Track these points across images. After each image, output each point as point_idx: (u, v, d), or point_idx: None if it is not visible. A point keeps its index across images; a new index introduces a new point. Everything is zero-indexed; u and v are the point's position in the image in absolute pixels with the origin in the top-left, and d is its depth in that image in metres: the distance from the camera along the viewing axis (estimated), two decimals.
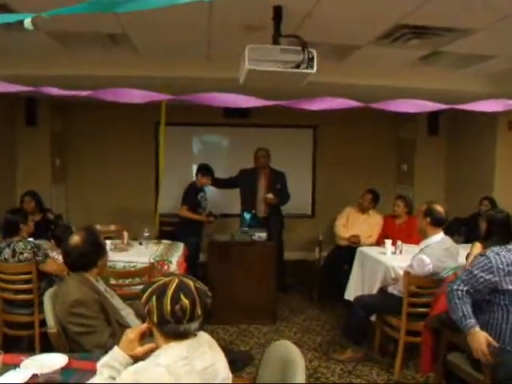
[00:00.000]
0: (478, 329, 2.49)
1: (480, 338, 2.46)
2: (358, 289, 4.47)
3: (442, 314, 2.92)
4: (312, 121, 6.89)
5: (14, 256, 3.52)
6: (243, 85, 3.09)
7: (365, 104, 2.02)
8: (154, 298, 1.57)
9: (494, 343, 2.47)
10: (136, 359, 1.69)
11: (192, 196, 5.20)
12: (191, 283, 1.60)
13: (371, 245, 4.97)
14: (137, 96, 1.95)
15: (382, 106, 1.97)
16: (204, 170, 5.27)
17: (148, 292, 1.59)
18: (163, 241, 4.76)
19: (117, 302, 2.59)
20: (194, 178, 5.33)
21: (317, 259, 5.31)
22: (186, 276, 1.66)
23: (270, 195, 5.26)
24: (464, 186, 6.61)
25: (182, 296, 1.55)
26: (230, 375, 1.68)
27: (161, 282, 1.59)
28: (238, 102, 1.97)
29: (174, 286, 1.57)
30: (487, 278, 2.50)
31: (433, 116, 6.82)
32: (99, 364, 1.70)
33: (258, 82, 3.05)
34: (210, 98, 1.96)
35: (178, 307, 1.54)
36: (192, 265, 4.84)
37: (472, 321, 2.50)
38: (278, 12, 2.97)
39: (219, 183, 5.55)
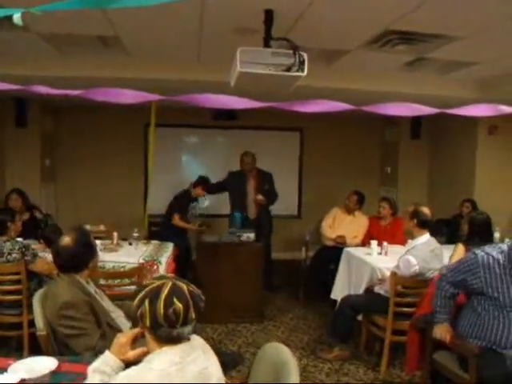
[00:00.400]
0: (446, 324, 2.51)
1: (446, 328, 2.48)
2: (344, 288, 4.45)
3: (427, 314, 2.90)
4: (299, 123, 6.90)
5: (1, 256, 3.40)
6: (234, 87, 3.05)
7: (358, 107, 1.99)
8: (147, 301, 1.52)
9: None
10: (128, 363, 1.63)
11: (184, 204, 5.19)
12: (184, 287, 1.55)
13: (357, 245, 4.96)
14: (128, 96, 1.88)
15: (376, 108, 1.94)
16: (205, 182, 5.26)
17: (141, 295, 1.53)
18: (152, 241, 4.71)
19: (107, 303, 2.51)
20: (189, 186, 5.32)
21: (303, 259, 5.30)
22: (179, 279, 1.61)
23: (260, 196, 5.29)
24: (446, 188, 6.65)
25: (175, 300, 1.51)
26: (223, 378, 1.63)
27: (154, 286, 1.54)
28: (231, 104, 1.91)
29: (167, 290, 1.52)
30: (472, 272, 2.49)
31: (416, 120, 6.85)
32: (90, 369, 1.63)
33: (249, 85, 3.02)
34: (203, 99, 1.90)
35: (171, 311, 1.50)
36: (181, 265, 4.79)
37: (444, 317, 2.52)
38: (269, 15, 2.93)
39: (211, 189, 5.52)
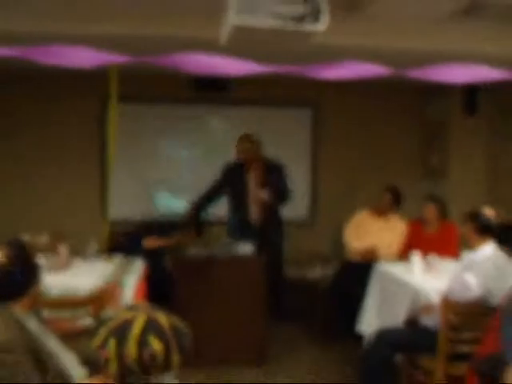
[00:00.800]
0: None
1: None
2: (376, 319, 4.47)
3: (494, 354, 2.89)
4: (311, 96, 6.86)
5: None
6: (225, 47, 3.05)
7: (397, 71, 1.95)
8: (113, 341, 1.50)
9: None
10: None
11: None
12: (164, 320, 1.54)
13: (393, 260, 4.98)
14: (83, 58, 1.83)
15: (423, 73, 1.89)
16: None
17: (103, 333, 1.52)
18: (115, 257, 4.72)
19: (53, 344, 2.49)
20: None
21: (320, 278, 5.39)
22: (155, 310, 1.59)
23: (263, 193, 5.34)
24: None
25: (151, 338, 1.49)
26: None
27: (121, 319, 1.52)
28: (225, 67, 1.87)
29: (140, 325, 1.50)
30: None
31: (470, 90, 6.81)
32: None
33: (246, 44, 2.99)
34: (185, 62, 1.86)
35: (146, 353, 1.49)
36: (155, 289, 4.74)
37: None
38: None
39: (204, 204, 5.65)
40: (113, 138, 5.18)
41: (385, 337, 3.76)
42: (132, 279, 4.09)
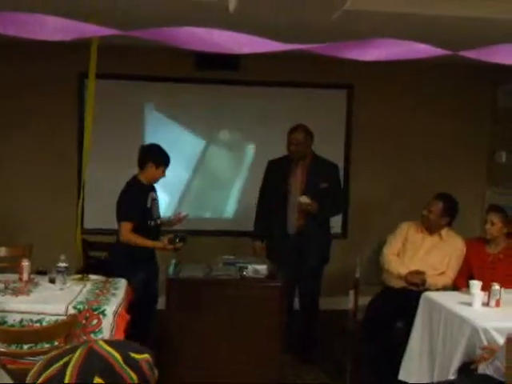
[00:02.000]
0: None
1: None
2: (424, 364, 4.44)
3: None
4: (344, 77, 6.89)
5: None
6: (234, 15, 3.09)
7: (454, 51, 1.95)
8: None
9: None
10: None
11: (138, 203, 5.12)
12: (112, 352, 1.51)
13: (445, 288, 4.96)
14: (50, 28, 1.85)
15: (486, 54, 1.89)
16: (167, 159, 5.23)
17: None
18: (92, 276, 4.74)
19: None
20: (137, 171, 5.28)
21: (352, 310, 5.32)
22: (106, 342, 1.57)
23: (305, 199, 5.42)
24: None
25: (96, 378, 1.47)
26: None
27: (60, 363, 1.51)
28: (230, 44, 1.87)
29: (75, 363, 1.48)
30: None
31: None
32: None
33: (259, 12, 3.03)
34: (182, 36, 1.87)
35: None
36: (142, 318, 4.82)
37: None
38: None
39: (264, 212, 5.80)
40: (88, 124, 5.22)
41: None
42: (113, 305, 4.10)
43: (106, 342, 1.58)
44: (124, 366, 1.51)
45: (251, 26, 2.93)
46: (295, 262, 5.52)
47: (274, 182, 5.73)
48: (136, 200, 5.12)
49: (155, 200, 5.28)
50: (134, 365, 1.53)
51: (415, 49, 1.90)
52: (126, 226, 5.02)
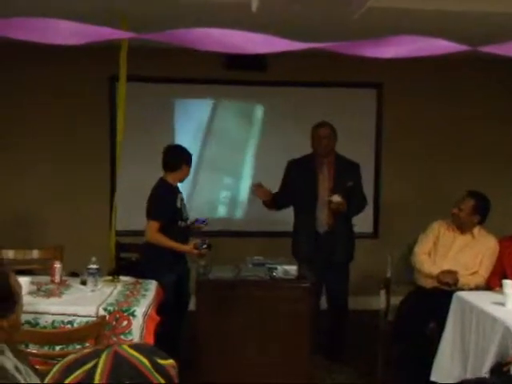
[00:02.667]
0: None
1: None
2: (456, 364, 4.42)
3: None
4: (374, 75, 6.88)
5: None
6: (257, 15, 3.09)
7: (474, 47, 1.91)
8: None
9: None
10: None
11: (168, 203, 5.13)
12: (139, 358, 1.50)
13: (478, 288, 4.92)
14: (63, 32, 1.86)
15: (503, 49, 1.85)
16: (188, 155, 5.26)
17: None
18: (123, 277, 4.75)
19: None
20: (163, 173, 5.30)
21: (383, 310, 5.30)
22: (130, 346, 1.56)
23: (337, 197, 5.42)
24: None
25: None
26: None
27: (85, 368, 1.50)
28: (247, 45, 1.86)
29: (103, 369, 1.47)
30: None
31: None
32: None
33: (282, 12, 3.02)
34: (197, 37, 1.86)
35: None
36: (172, 320, 4.82)
37: None
38: None
39: (279, 201, 5.81)
40: (121, 126, 5.27)
41: None
42: (143, 307, 4.10)
43: (131, 346, 1.57)
44: (152, 370, 1.50)
45: (274, 26, 2.91)
46: (323, 260, 5.52)
47: (300, 180, 5.69)
48: (166, 200, 5.14)
49: (183, 201, 5.30)
50: (162, 371, 1.52)
51: (435, 45, 1.87)
52: (154, 225, 5.02)
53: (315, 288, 5.00)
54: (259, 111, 7.20)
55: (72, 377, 1.51)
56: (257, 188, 5.70)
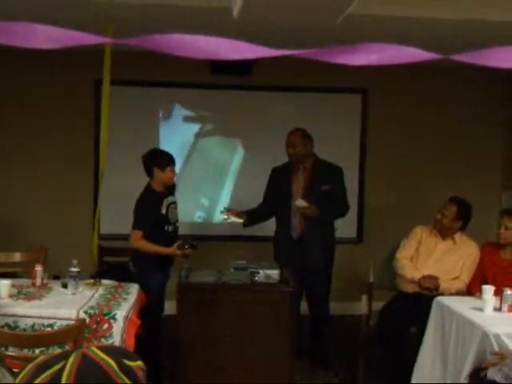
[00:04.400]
0: None
1: None
2: (437, 369, 4.43)
3: None
4: (359, 81, 6.87)
5: None
6: (238, 20, 3.07)
7: (446, 55, 1.91)
8: None
9: None
10: None
11: (151, 212, 5.12)
12: (106, 360, 1.50)
13: (459, 293, 4.92)
14: (41, 36, 1.85)
15: (477, 58, 1.85)
16: (170, 157, 5.20)
17: None
18: (104, 281, 4.76)
19: None
20: (150, 178, 5.24)
21: (365, 315, 5.29)
22: (100, 348, 1.56)
23: (301, 202, 5.43)
24: None
25: None
26: None
27: (53, 370, 1.49)
28: (223, 51, 1.86)
29: (70, 370, 1.46)
30: None
31: None
32: None
33: (264, 16, 3.01)
34: (171, 43, 1.86)
35: None
36: (154, 323, 4.83)
37: None
38: None
39: (254, 217, 5.79)
40: (104, 131, 5.25)
41: None
42: (123, 309, 4.12)
43: (100, 348, 1.57)
44: (118, 372, 1.50)
45: (255, 32, 2.91)
46: (300, 266, 5.48)
47: (277, 187, 5.76)
48: (148, 209, 5.12)
49: (173, 204, 5.25)
50: (128, 372, 1.51)
51: (405, 53, 1.87)
52: (136, 234, 5.03)
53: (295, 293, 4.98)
54: (244, 116, 7.18)
55: (41, 377, 1.50)
56: (228, 213, 5.67)
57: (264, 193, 5.89)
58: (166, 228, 5.15)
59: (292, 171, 5.67)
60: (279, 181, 5.75)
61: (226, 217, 5.64)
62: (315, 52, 1.86)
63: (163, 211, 5.13)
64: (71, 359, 1.50)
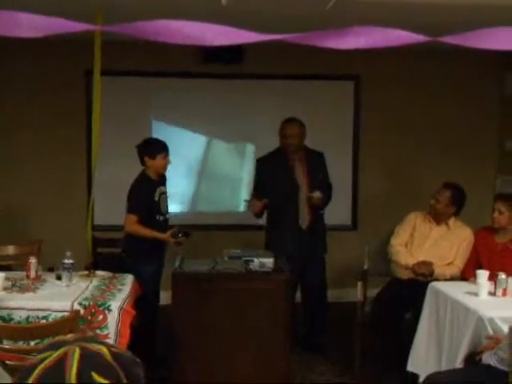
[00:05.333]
0: None
1: None
2: (432, 355, 4.43)
3: None
4: (351, 67, 6.88)
5: None
6: (228, 7, 3.06)
7: (434, 38, 1.90)
8: None
9: None
10: None
11: (144, 196, 5.14)
12: (103, 350, 1.49)
13: (453, 279, 4.93)
14: (30, 26, 1.83)
15: (467, 39, 1.84)
16: (161, 145, 5.20)
17: (33, 378, 1.48)
18: (99, 272, 4.76)
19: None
20: (144, 167, 5.26)
21: (360, 301, 5.30)
22: (90, 340, 1.54)
23: (318, 193, 5.49)
24: None
25: (95, 376, 1.44)
26: None
27: (49, 361, 1.48)
28: (210, 36, 1.84)
29: (75, 363, 1.45)
30: None
31: None
32: None
33: (253, 3, 2.99)
34: (160, 30, 1.84)
35: None
36: (149, 314, 4.83)
37: None
38: None
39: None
40: (96, 121, 5.22)
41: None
42: (118, 300, 4.12)
43: (93, 339, 1.56)
44: (115, 362, 1.49)
45: (244, 18, 2.89)
46: (306, 255, 5.54)
47: (275, 178, 5.66)
48: (143, 193, 5.15)
49: (164, 194, 5.27)
50: (122, 360, 1.50)
51: (394, 36, 1.86)
52: (131, 219, 5.05)
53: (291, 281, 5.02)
54: (236, 105, 7.17)
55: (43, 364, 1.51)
56: (254, 203, 5.68)
57: (255, 185, 5.87)
58: (157, 217, 5.17)
59: (287, 161, 5.63)
60: (276, 172, 5.68)
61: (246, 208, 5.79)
62: (303, 36, 1.85)
63: (156, 198, 5.16)
64: (72, 350, 1.50)
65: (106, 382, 1.45)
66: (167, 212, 5.33)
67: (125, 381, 1.48)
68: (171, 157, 5.23)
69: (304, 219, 5.61)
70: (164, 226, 5.21)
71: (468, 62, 6.90)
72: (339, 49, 1.87)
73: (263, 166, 5.80)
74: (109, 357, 1.50)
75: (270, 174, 5.68)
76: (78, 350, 1.49)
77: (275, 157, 5.70)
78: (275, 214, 5.70)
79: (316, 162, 5.74)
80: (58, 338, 1.61)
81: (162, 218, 5.20)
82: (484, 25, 2.36)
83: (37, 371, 1.50)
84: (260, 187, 5.78)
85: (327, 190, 5.71)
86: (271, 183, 5.65)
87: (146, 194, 5.13)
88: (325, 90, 7.17)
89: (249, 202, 5.79)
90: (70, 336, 1.62)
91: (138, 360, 1.54)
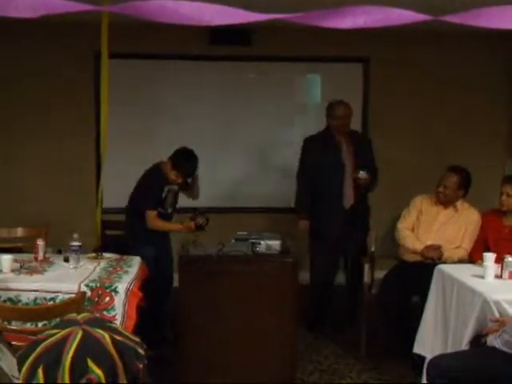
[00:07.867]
0: None
1: None
2: (439, 337, 4.42)
3: None
4: (360, 49, 6.85)
5: None
6: None
7: (436, 17, 1.86)
8: (41, 370, 1.46)
9: None
10: None
11: (155, 192, 5.20)
12: (106, 337, 1.50)
13: (460, 261, 4.91)
14: (25, 6, 1.81)
15: (469, 18, 1.80)
16: (189, 171, 5.20)
17: (30, 360, 1.49)
18: (106, 254, 4.76)
19: (10, 362, 2.49)
20: (165, 159, 5.27)
21: (367, 284, 5.31)
22: (99, 323, 1.54)
23: (364, 174, 5.59)
24: None
25: (89, 362, 1.45)
26: None
27: (52, 340, 1.48)
28: (208, 16, 1.81)
29: (74, 346, 1.46)
30: None
31: None
32: None
33: None
34: (157, 10, 1.82)
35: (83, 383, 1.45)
36: (155, 297, 4.83)
37: None
38: None
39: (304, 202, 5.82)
40: (105, 105, 5.22)
41: (440, 366, 3.65)
42: (125, 283, 4.10)
43: (101, 323, 1.57)
44: (114, 350, 1.50)
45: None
46: (346, 236, 5.63)
47: (323, 158, 5.71)
48: (153, 189, 5.21)
49: (172, 191, 5.32)
50: (123, 349, 1.52)
51: (393, 15, 1.82)
52: (151, 214, 5.11)
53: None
54: (246, 86, 7.15)
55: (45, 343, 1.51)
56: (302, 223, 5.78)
57: (300, 166, 5.87)
58: (158, 209, 5.21)
59: (334, 141, 5.69)
60: (323, 151, 5.73)
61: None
62: (302, 16, 1.82)
63: (163, 194, 5.23)
64: (75, 333, 1.50)
65: (99, 369, 1.46)
66: (174, 207, 5.41)
67: (121, 371, 1.49)
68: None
69: (348, 199, 5.67)
70: (163, 218, 5.27)
71: (478, 43, 6.87)
72: (340, 28, 1.83)
73: (310, 145, 5.83)
74: (110, 345, 1.51)
75: (317, 153, 5.73)
76: (79, 334, 1.50)
77: (323, 136, 5.76)
78: (320, 192, 5.72)
79: (363, 145, 5.82)
80: (69, 316, 1.62)
81: (162, 211, 5.25)
82: (490, 4, 2.32)
83: (39, 349, 1.52)
84: (306, 166, 5.80)
85: (373, 172, 5.74)
86: (318, 162, 5.71)
87: (156, 189, 5.20)
88: (333, 72, 7.17)
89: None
90: (81, 316, 1.62)
91: (140, 352, 1.56)
